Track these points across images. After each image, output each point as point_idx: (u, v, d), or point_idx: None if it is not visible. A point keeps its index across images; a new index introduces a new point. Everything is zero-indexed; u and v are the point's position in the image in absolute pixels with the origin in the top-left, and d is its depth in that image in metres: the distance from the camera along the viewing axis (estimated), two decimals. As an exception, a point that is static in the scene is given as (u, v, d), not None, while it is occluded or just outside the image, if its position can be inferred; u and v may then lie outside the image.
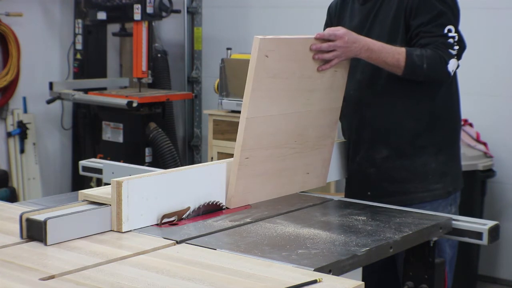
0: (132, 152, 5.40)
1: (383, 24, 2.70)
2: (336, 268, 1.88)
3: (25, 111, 5.78)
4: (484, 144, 4.65)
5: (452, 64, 2.59)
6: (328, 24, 2.96)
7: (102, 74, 5.98)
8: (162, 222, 2.19)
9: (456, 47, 2.60)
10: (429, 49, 2.58)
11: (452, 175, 2.75)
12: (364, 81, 2.74)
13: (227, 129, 5.13)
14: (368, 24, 2.74)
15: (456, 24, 2.65)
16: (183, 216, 2.26)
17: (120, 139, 5.45)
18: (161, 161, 5.39)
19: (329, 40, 2.49)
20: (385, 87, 2.69)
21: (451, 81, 2.71)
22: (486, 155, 4.59)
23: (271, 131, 2.46)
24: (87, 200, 2.18)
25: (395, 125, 2.69)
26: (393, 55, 2.56)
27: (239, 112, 2.41)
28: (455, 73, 2.72)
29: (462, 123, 4.30)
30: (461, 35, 2.65)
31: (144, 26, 5.45)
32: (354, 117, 2.79)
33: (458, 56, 2.62)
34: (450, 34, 2.60)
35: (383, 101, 2.71)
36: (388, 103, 2.70)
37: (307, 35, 2.51)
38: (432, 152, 2.70)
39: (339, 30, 2.52)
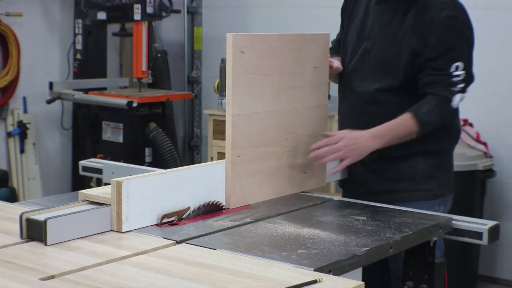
0: (132, 152, 5.39)
1: (393, 41, 2.67)
2: (336, 268, 1.88)
3: (25, 111, 5.78)
4: (484, 144, 4.65)
5: (457, 101, 2.59)
6: (342, 18, 2.93)
7: (102, 74, 5.98)
8: (162, 222, 2.19)
9: (461, 85, 2.58)
10: (431, 93, 2.57)
11: (440, 180, 2.74)
12: (360, 90, 2.75)
13: (227, 129, 5.12)
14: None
15: (467, 58, 2.61)
16: (183, 216, 2.26)
17: (120, 139, 5.45)
18: (161, 161, 5.39)
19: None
20: (375, 97, 2.69)
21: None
22: (486, 155, 4.58)
23: (259, 129, 2.48)
24: (87, 200, 2.18)
25: None
26: (404, 126, 2.58)
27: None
28: None
29: (462, 123, 4.31)
30: (470, 70, 2.62)
31: (144, 26, 5.45)
32: (348, 118, 2.83)
33: (463, 90, 2.60)
34: (455, 73, 2.57)
35: (370, 109, 2.72)
36: (375, 111, 2.70)
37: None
38: (419, 158, 2.71)
39: (338, 132, 2.58)
